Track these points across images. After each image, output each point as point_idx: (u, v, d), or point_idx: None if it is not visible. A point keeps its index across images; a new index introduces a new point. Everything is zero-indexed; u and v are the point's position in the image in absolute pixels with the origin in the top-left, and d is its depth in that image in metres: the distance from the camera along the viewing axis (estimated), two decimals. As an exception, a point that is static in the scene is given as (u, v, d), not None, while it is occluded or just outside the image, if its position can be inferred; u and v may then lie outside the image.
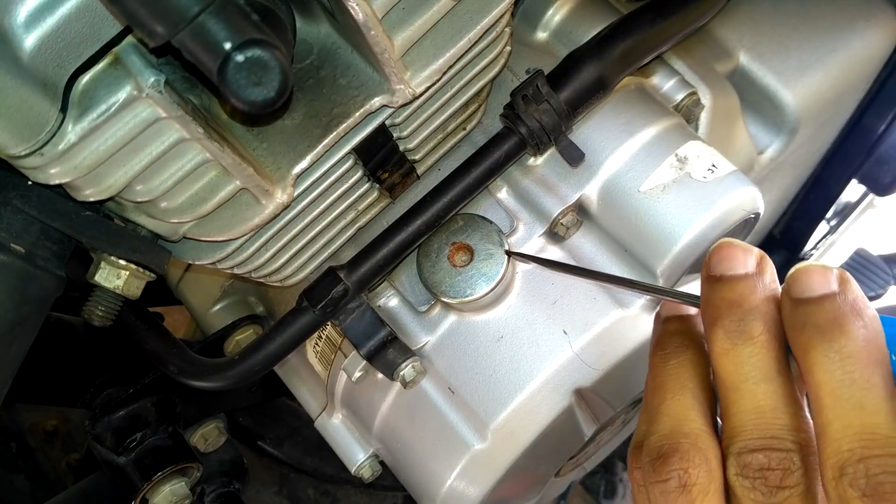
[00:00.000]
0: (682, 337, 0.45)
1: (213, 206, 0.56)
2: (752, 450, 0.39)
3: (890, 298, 1.50)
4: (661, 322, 0.48)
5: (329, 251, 0.70)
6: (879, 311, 0.39)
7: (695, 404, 0.42)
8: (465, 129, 0.69)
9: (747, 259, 0.42)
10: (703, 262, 0.43)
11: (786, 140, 0.86)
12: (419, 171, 0.70)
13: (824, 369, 0.37)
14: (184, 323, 1.39)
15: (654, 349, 0.46)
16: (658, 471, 0.40)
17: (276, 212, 0.58)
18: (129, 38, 0.47)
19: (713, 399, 0.43)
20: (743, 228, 0.72)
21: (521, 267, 0.69)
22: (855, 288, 0.39)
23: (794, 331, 0.39)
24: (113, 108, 0.47)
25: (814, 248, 1.28)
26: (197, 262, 0.62)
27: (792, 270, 0.40)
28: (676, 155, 0.67)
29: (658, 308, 0.50)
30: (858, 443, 0.36)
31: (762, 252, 0.42)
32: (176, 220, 0.56)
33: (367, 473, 0.78)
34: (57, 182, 0.49)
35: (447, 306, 0.68)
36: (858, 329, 0.37)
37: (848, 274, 0.40)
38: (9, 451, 1.38)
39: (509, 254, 0.66)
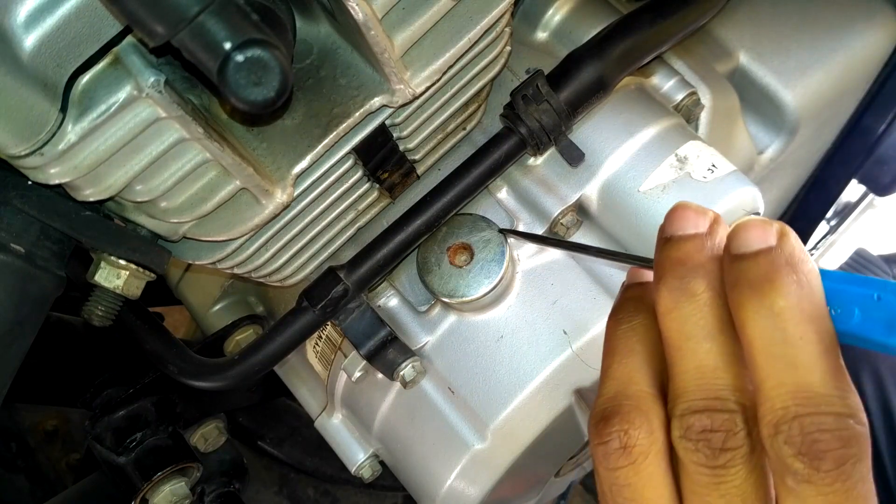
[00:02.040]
0: (635, 302, 0.44)
1: (213, 206, 0.56)
2: (695, 411, 0.37)
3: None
4: (622, 290, 0.47)
5: (329, 251, 0.70)
6: None
7: (642, 366, 0.41)
8: (465, 129, 0.69)
9: (698, 220, 0.41)
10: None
11: (786, 140, 0.86)
12: (419, 171, 0.70)
13: (756, 326, 0.36)
14: (184, 323, 1.39)
15: (609, 315, 0.45)
16: (600, 433, 0.40)
17: (276, 212, 0.58)
18: (129, 38, 0.47)
19: (664, 363, 0.42)
20: (743, 228, 0.72)
21: (521, 267, 0.69)
22: (792, 242, 0.38)
23: (729, 287, 0.38)
24: (113, 108, 0.47)
25: (814, 248, 1.28)
26: (197, 262, 0.62)
27: (732, 225, 0.39)
28: (676, 155, 0.67)
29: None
30: (793, 401, 0.35)
31: (717, 214, 0.41)
32: (176, 220, 0.56)
33: (367, 473, 0.78)
34: (57, 182, 0.49)
35: (447, 306, 0.68)
36: (791, 284, 0.36)
37: (788, 228, 0.38)
38: (9, 451, 1.38)
39: (504, 232, 0.66)
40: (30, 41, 0.42)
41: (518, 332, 0.67)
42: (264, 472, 1.47)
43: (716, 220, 0.41)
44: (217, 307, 0.89)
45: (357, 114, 0.57)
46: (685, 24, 0.68)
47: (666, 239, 0.41)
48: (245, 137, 0.58)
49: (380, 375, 0.69)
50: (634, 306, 0.44)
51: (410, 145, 0.65)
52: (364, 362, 0.68)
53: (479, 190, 0.66)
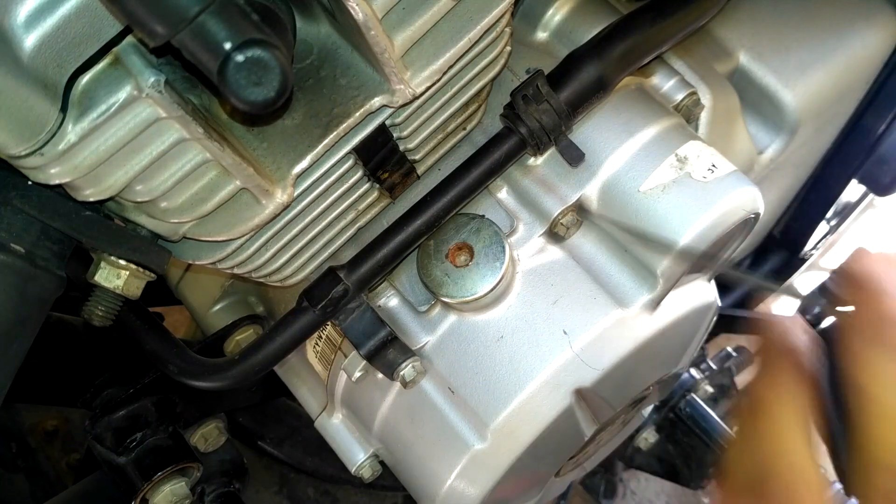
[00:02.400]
0: (790, 357, 0.42)
1: (214, 206, 0.56)
2: (885, 468, 0.36)
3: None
4: (765, 344, 0.44)
5: (329, 251, 0.70)
6: None
7: (801, 430, 0.40)
8: (465, 129, 0.69)
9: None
10: (849, 272, 0.40)
11: (786, 140, 0.86)
12: (419, 171, 0.70)
13: None
14: (184, 323, 1.39)
15: (760, 369, 0.43)
16: (759, 499, 0.38)
17: (276, 212, 0.58)
18: (129, 38, 0.47)
19: (817, 425, 0.40)
20: (743, 228, 0.72)
21: (522, 267, 0.68)
22: None
23: None
24: (113, 108, 0.47)
25: (814, 248, 1.28)
26: (197, 262, 0.62)
27: None
28: (676, 155, 0.67)
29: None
30: None
31: None
32: (176, 220, 0.56)
33: (367, 473, 0.78)
34: (57, 182, 0.49)
35: (447, 306, 0.68)
36: None
37: None
38: (9, 451, 1.38)
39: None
40: (30, 41, 0.42)
41: (518, 332, 0.67)
42: (264, 472, 1.47)
43: None
44: (217, 307, 0.89)
45: (357, 114, 0.57)
46: (685, 24, 0.68)
47: (860, 286, 0.40)
48: (245, 137, 0.58)
49: (380, 375, 0.69)
50: (790, 362, 0.42)
51: (410, 145, 0.65)
52: (364, 362, 0.68)
53: (479, 190, 0.66)
